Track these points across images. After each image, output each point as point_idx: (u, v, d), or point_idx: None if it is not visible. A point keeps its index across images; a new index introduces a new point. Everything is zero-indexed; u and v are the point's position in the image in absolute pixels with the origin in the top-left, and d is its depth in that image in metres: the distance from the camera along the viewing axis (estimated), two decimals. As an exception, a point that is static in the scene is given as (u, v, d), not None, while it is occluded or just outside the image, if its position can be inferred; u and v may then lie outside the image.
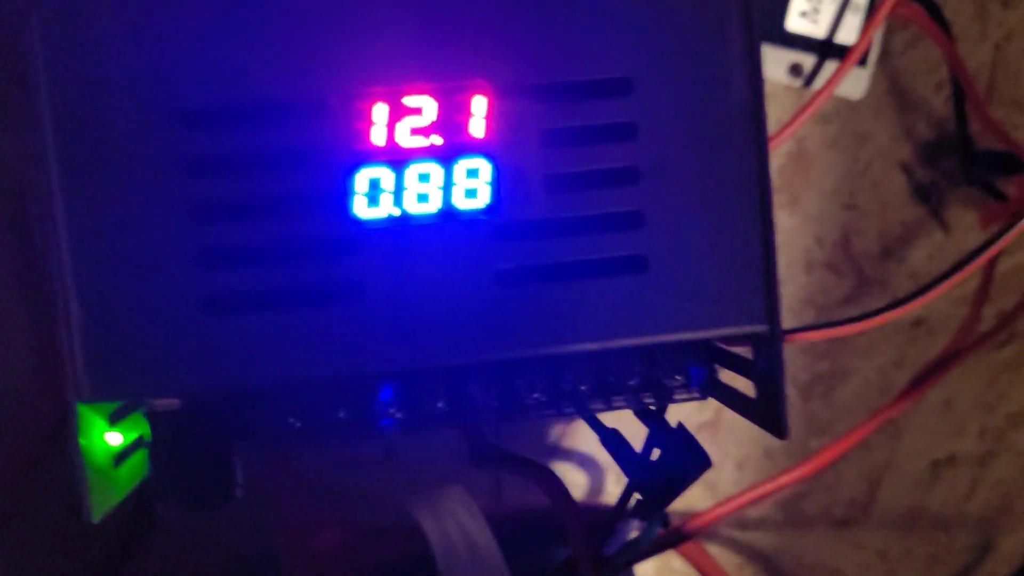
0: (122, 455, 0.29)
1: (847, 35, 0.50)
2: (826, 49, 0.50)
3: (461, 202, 0.28)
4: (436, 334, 0.28)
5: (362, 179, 0.28)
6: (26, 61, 0.26)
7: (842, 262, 0.64)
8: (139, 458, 0.30)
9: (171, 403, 0.29)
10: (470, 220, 0.28)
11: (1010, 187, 0.58)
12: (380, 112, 0.28)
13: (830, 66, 0.50)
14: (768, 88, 0.55)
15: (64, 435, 0.26)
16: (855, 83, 0.51)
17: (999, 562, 0.79)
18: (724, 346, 0.32)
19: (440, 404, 0.32)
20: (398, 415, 0.31)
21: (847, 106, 0.58)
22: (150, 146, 0.27)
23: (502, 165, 0.28)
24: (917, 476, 0.74)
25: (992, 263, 0.55)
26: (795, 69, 0.50)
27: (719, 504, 0.54)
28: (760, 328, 0.29)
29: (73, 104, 0.27)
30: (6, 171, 0.44)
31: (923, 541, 0.79)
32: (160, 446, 0.28)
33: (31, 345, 0.43)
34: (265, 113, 0.27)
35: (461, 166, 0.28)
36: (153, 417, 0.28)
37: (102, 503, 0.28)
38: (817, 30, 0.50)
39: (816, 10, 0.49)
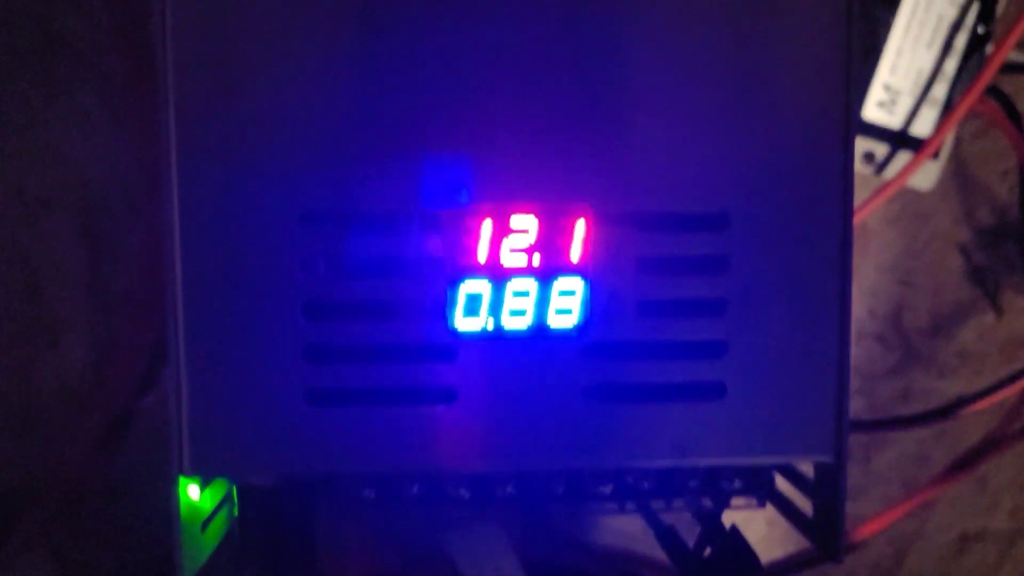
0: (208, 520, 0.31)
1: (922, 127, 0.51)
2: (900, 140, 0.51)
3: (554, 319, 0.30)
4: (521, 442, 0.30)
5: (464, 292, 0.29)
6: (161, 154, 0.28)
7: (892, 335, 0.65)
8: (221, 520, 0.32)
9: (264, 481, 0.30)
10: (562, 337, 0.30)
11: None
12: (486, 229, 0.29)
13: (903, 156, 0.51)
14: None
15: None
16: (926, 175, 0.52)
17: (1018, 637, 0.79)
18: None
19: (509, 489, 0.33)
20: (467, 495, 0.33)
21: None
22: (272, 245, 0.28)
23: (596, 287, 0.30)
24: (945, 548, 0.74)
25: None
26: (868, 157, 0.51)
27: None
28: (827, 459, 0.30)
29: (201, 202, 0.28)
30: (82, 186, 0.46)
31: (944, 613, 0.78)
32: (250, 520, 0.30)
33: (89, 346, 0.46)
34: (380, 222, 0.29)
35: (557, 285, 0.29)
36: (245, 493, 0.30)
37: (192, 563, 0.30)
38: (893, 121, 0.51)
39: (893, 101, 0.50)
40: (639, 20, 0.29)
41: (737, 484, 0.33)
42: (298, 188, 0.29)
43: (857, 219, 0.52)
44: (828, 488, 0.31)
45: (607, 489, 0.34)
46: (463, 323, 0.29)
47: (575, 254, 0.29)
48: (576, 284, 0.30)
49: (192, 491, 0.30)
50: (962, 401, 0.52)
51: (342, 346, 0.29)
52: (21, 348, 0.47)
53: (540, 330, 0.30)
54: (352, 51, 0.29)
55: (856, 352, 0.65)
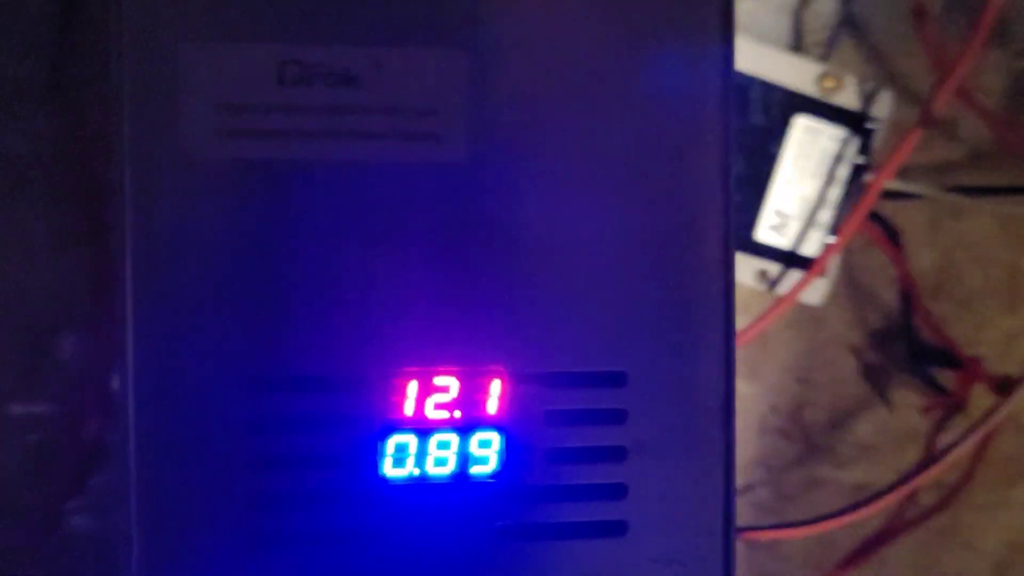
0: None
1: (810, 248, 0.56)
2: (791, 259, 0.56)
3: (474, 467, 0.33)
4: None
5: (392, 444, 0.33)
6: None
7: (793, 430, 0.69)
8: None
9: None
10: (480, 483, 0.33)
11: (949, 380, 0.65)
12: (412, 388, 0.33)
13: (794, 274, 0.56)
14: (738, 291, 0.61)
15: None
16: (816, 291, 0.57)
17: None
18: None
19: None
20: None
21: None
22: (220, 405, 0.32)
23: (511, 438, 0.33)
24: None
25: (933, 445, 0.62)
26: (762, 275, 0.56)
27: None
28: None
29: (160, 365, 0.32)
30: (18, 297, 0.49)
31: None
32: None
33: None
34: (315, 385, 0.32)
35: (476, 437, 0.33)
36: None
37: None
38: (784, 242, 0.56)
39: (784, 224, 0.56)
40: (533, 204, 0.33)
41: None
42: (248, 354, 0.32)
43: (756, 331, 0.57)
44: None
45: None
46: (392, 472, 0.33)
47: (492, 409, 0.33)
48: (493, 436, 0.33)
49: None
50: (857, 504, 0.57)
51: (284, 494, 0.32)
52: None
53: (461, 477, 0.33)
54: (291, 231, 0.32)
55: (761, 445, 0.69)
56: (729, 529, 0.34)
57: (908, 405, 0.69)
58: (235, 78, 0.32)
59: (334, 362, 0.32)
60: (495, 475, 0.33)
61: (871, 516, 0.50)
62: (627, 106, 0.33)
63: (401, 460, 0.33)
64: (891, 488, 0.52)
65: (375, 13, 0.32)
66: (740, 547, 0.71)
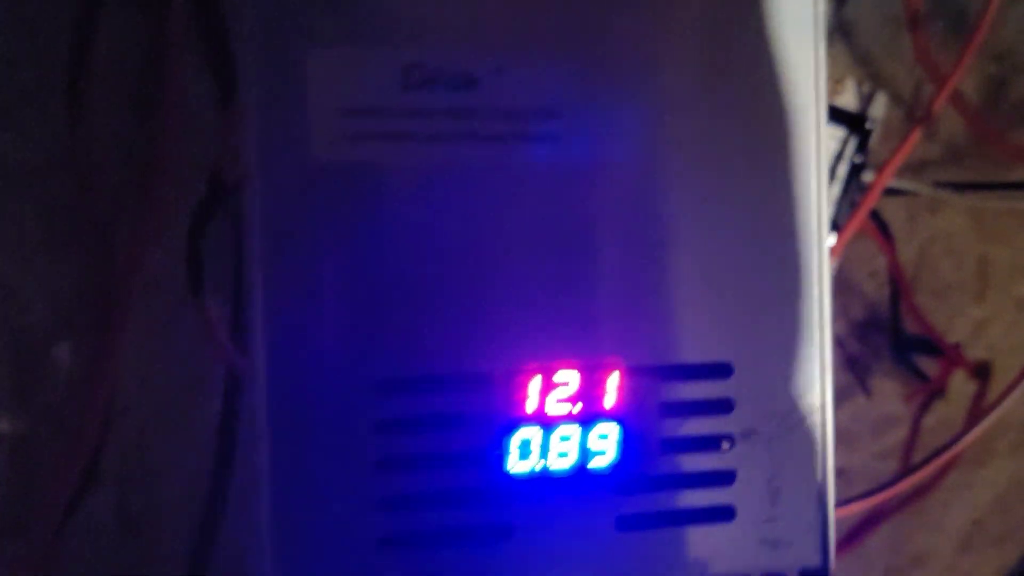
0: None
1: None
2: None
3: (594, 459, 0.34)
4: (566, 570, 0.34)
5: (517, 439, 0.34)
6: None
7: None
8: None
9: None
10: (600, 475, 0.35)
11: (931, 368, 0.68)
12: (535, 384, 0.34)
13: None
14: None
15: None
16: None
17: None
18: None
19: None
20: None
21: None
22: (348, 408, 0.32)
23: (628, 430, 0.35)
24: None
25: (916, 431, 0.65)
26: None
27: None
28: (816, 560, 0.36)
29: (290, 369, 0.32)
30: (12, 303, 0.48)
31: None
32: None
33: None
34: (440, 384, 0.33)
35: (596, 429, 0.34)
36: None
37: None
38: None
39: None
40: (649, 204, 0.34)
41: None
42: (374, 356, 0.32)
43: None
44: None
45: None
46: (517, 467, 0.34)
47: (610, 401, 0.34)
48: (612, 428, 0.34)
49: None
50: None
51: (411, 495, 0.33)
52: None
53: (581, 469, 0.34)
54: (415, 232, 0.33)
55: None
56: (826, 511, 0.35)
57: (886, 393, 0.72)
58: (361, 82, 0.32)
59: (458, 361, 0.33)
60: (613, 467, 0.34)
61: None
62: (735, 105, 0.35)
63: (526, 455, 0.33)
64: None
65: (496, 17, 0.33)
66: None
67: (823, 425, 0.36)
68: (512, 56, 0.33)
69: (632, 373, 0.34)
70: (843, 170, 0.58)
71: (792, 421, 0.35)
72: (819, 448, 0.36)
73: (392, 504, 0.33)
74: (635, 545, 0.34)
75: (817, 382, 0.36)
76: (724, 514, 0.35)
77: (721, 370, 0.35)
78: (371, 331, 0.32)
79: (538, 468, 0.34)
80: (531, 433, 0.33)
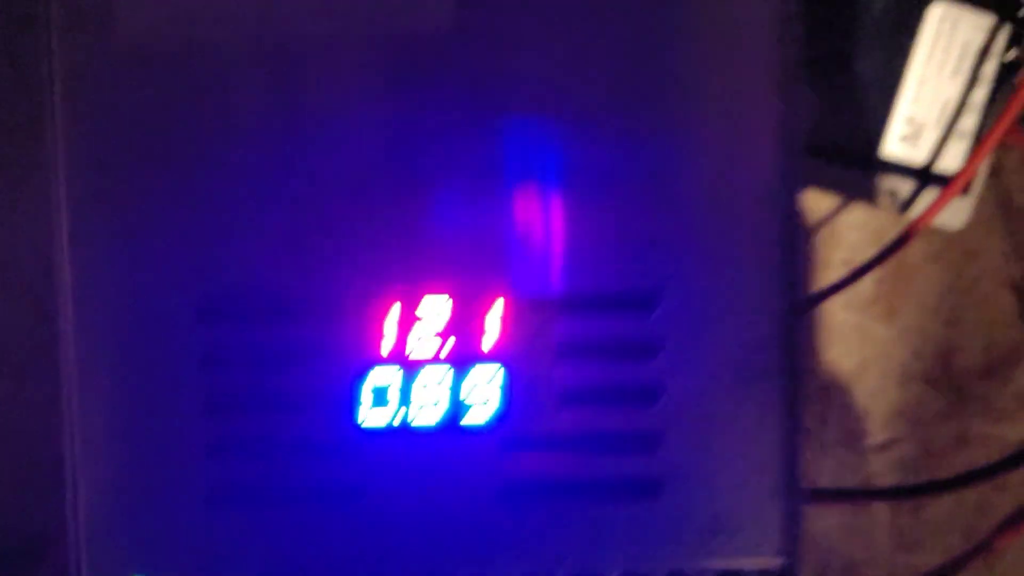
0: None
1: (950, 162, 0.47)
2: (926, 176, 0.47)
3: (470, 412, 0.27)
4: (433, 546, 0.27)
5: (369, 385, 0.27)
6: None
7: (940, 377, 0.61)
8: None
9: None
10: (478, 430, 0.27)
11: None
12: (394, 314, 0.27)
13: (930, 193, 0.47)
14: (862, 213, 0.53)
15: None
16: (955, 214, 0.48)
17: None
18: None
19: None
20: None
21: (955, 219, 0.57)
22: (168, 340, 0.27)
23: (515, 375, 0.27)
24: (1010, 618, 0.71)
25: None
26: (892, 196, 0.47)
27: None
28: (776, 562, 0.27)
29: (98, 293, 0.27)
30: None
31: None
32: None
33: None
34: (276, 314, 0.27)
35: (472, 373, 0.27)
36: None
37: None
38: (918, 156, 0.47)
39: (918, 135, 0.47)
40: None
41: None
42: (194, 281, 0.27)
43: (887, 263, 0.49)
44: (783, 595, 0.27)
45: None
46: (369, 417, 0.27)
47: (491, 340, 0.27)
48: (492, 372, 0.27)
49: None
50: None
51: (242, 442, 0.27)
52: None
53: (453, 423, 0.27)
54: (247, 135, 0.27)
55: (903, 395, 0.62)
56: (794, 487, 0.26)
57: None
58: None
59: (298, 286, 0.27)
60: (495, 421, 0.27)
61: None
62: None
63: (381, 403, 0.27)
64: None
65: None
66: (882, 510, 0.65)
67: (788, 381, 0.26)
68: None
69: (521, 303, 0.27)
70: (990, 69, 0.46)
71: (744, 373, 0.26)
72: (783, 402, 0.26)
73: (222, 453, 0.27)
74: (525, 521, 0.27)
75: (778, 324, 0.26)
76: (646, 488, 0.27)
77: (643, 302, 0.27)
78: (194, 250, 0.27)
79: (397, 421, 0.27)
80: (388, 377, 0.27)
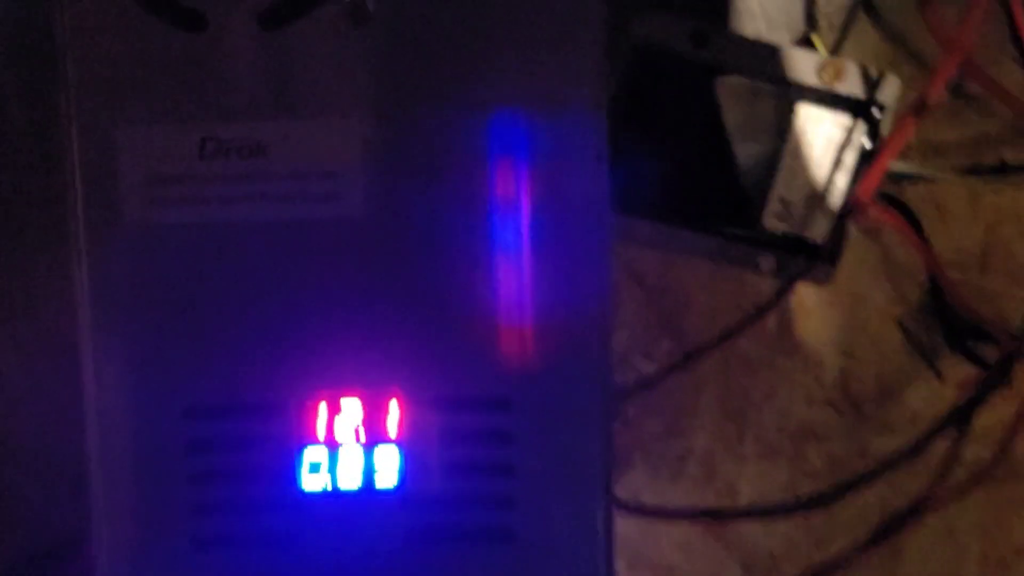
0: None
1: (817, 233, 0.58)
2: (797, 246, 0.58)
3: (379, 481, 0.39)
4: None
5: (307, 460, 0.39)
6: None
7: (840, 400, 0.71)
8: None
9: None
10: (384, 494, 0.39)
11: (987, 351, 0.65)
12: (323, 411, 0.39)
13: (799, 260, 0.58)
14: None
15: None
16: (822, 275, 0.58)
17: None
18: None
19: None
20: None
21: (846, 270, 0.64)
22: (164, 429, 0.39)
23: (409, 454, 0.39)
24: (920, 595, 0.78)
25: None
26: (766, 262, 0.58)
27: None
28: None
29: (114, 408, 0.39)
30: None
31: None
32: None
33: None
34: (239, 410, 0.39)
35: (379, 453, 0.39)
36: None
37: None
38: (789, 229, 0.58)
39: (789, 213, 0.57)
40: (424, 252, 0.38)
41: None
42: (181, 386, 0.39)
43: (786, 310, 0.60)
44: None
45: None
46: (309, 484, 0.39)
47: (391, 429, 0.39)
48: (393, 452, 0.39)
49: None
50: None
51: (218, 505, 0.39)
52: None
53: (367, 489, 0.39)
54: (214, 284, 0.39)
55: (810, 416, 0.71)
56: (609, 538, 0.38)
57: (959, 377, 0.69)
58: (164, 154, 0.38)
59: (255, 390, 0.38)
60: (397, 488, 0.38)
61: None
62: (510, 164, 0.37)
63: (316, 473, 0.38)
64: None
65: (280, 89, 0.37)
66: (795, 518, 0.73)
67: (604, 456, 0.38)
68: (297, 124, 0.38)
69: (412, 402, 0.38)
70: (850, 158, 0.56)
71: (574, 450, 0.38)
72: (600, 480, 0.38)
73: (202, 513, 0.39)
74: (421, 561, 0.39)
75: (596, 415, 0.38)
76: (504, 536, 0.39)
77: (500, 402, 0.38)
78: (182, 364, 0.38)
79: (329, 487, 0.39)
80: (319, 455, 0.38)
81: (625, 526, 0.78)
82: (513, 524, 0.38)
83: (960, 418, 0.66)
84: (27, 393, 0.63)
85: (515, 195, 0.37)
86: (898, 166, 0.59)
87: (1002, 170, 0.61)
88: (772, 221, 0.57)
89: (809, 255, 0.57)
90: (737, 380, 0.70)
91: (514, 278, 0.37)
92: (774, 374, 0.70)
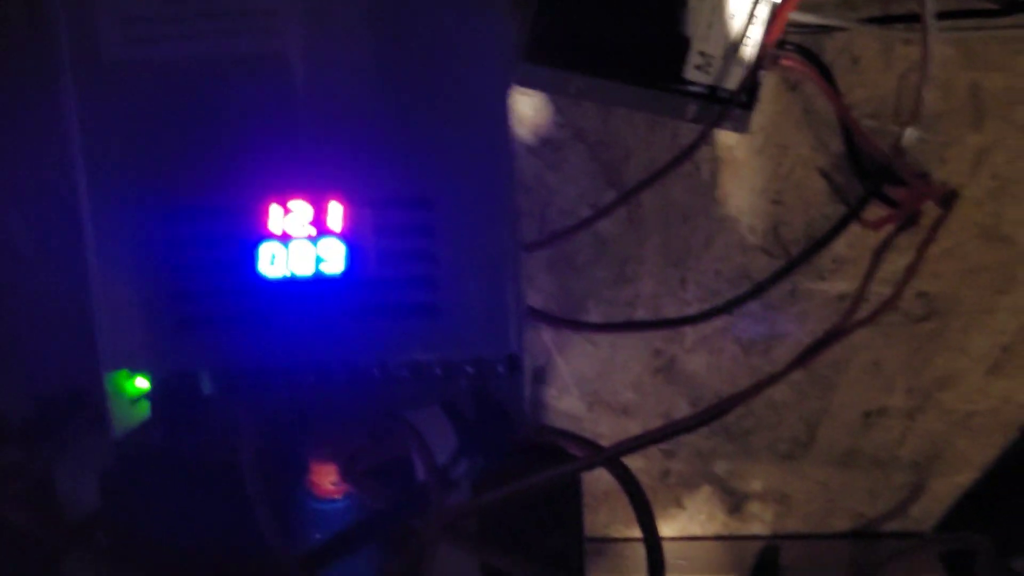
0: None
1: (734, 83, 0.65)
2: (715, 95, 0.65)
3: (327, 267, 0.47)
4: (311, 346, 0.48)
5: (265, 251, 0.47)
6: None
7: (773, 246, 0.77)
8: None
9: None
10: (332, 279, 0.47)
11: (898, 193, 0.72)
12: (276, 210, 0.47)
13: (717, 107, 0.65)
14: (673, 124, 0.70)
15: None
16: (740, 122, 0.66)
17: (933, 501, 0.91)
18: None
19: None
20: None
21: (771, 121, 0.71)
22: (152, 228, 0.47)
23: (351, 245, 0.47)
24: (851, 423, 0.86)
25: (878, 258, 0.70)
26: (689, 110, 0.65)
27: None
28: (511, 351, 0.47)
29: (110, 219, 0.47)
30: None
31: (861, 477, 0.90)
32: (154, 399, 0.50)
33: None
34: (215, 210, 0.47)
35: (325, 245, 0.47)
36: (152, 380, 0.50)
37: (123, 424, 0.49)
38: (709, 79, 0.65)
39: (709, 64, 0.64)
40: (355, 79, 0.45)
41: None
42: (167, 192, 0.47)
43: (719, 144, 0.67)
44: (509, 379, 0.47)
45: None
46: (268, 271, 0.47)
47: (335, 224, 0.47)
48: (337, 244, 0.47)
49: (139, 382, 0.50)
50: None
51: (197, 292, 0.47)
52: None
53: (319, 275, 0.47)
54: (184, 110, 0.46)
55: (745, 261, 0.78)
56: (518, 314, 0.46)
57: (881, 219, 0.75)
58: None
59: (222, 195, 0.46)
60: (343, 274, 0.47)
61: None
62: None
63: (272, 263, 0.47)
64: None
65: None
66: (735, 351, 0.81)
67: (513, 234, 0.46)
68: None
69: (352, 202, 0.46)
70: (763, 10, 0.63)
71: (490, 240, 0.46)
72: (511, 260, 0.46)
73: (182, 299, 0.47)
74: (364, 332, 0.47)
75: (504, 198, 0.46)
76: (430, 312, 0.47)
77: (421, 201, 0.46)
78: (162, 178, 0.47)
79: (287, 273, 0.47)
80: (275, 248, 0.47)
81: (583, 368, 0.86)
82: (438, 301, 0.46)
83: (875, 260, 0.72)
84: (30, 247, 0.71)
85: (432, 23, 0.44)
86: (812, 18, 0.65)
87: (913, 19, 0.64)
88: (694, 72, 0.64)
89: (726, 103, 0.63)
90: (677, 230, 0.77)
91: (426, 99, 0.45)
92: (711, 223, 0.76)
